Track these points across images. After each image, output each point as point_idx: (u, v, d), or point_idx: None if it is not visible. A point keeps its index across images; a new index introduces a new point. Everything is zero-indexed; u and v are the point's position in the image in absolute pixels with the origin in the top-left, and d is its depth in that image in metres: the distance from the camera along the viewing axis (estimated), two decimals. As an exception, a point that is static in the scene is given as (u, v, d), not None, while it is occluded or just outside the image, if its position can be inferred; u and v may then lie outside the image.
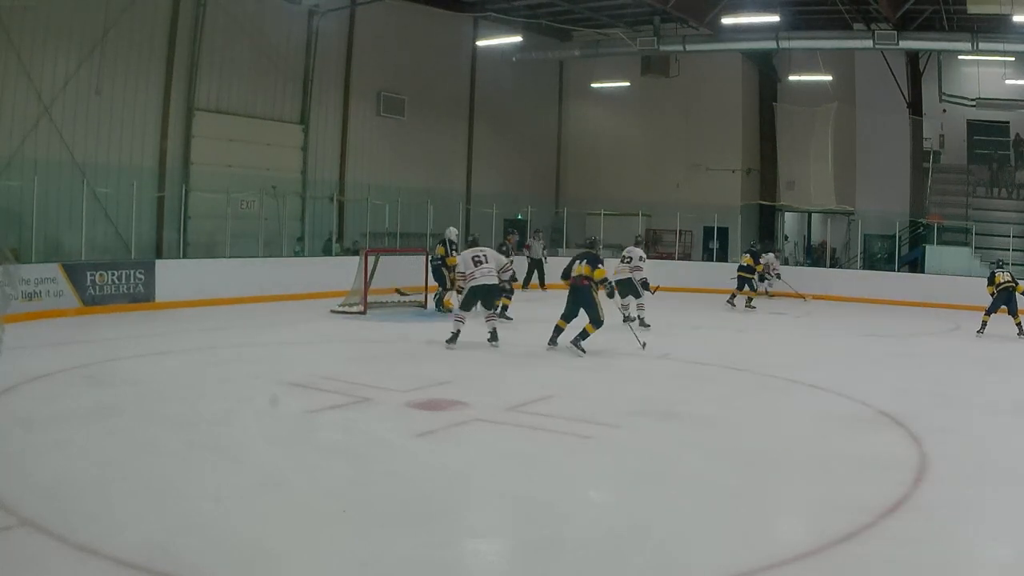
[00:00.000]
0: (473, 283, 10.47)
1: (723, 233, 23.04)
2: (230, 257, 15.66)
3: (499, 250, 13.63)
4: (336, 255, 18.20)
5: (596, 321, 9.88)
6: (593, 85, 25.44)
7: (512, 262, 13.75)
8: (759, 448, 6.21)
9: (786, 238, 25.89)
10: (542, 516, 4.70)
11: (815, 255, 24.55)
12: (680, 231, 22.96)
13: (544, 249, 19.86)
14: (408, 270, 14.69)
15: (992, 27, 17.91)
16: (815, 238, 26.02)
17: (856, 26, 20.40)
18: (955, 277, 18.84)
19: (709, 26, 19.69)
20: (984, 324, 13.13)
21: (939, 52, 21.41)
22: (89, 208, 14.07)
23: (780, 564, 4.03)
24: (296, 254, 18.15)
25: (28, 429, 6.05)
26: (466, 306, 10.58)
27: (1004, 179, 22.25)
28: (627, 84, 24.55)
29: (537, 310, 13.26)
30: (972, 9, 18.00)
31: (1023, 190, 22.08)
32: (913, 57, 22.26)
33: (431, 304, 14.36)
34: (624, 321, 12.50)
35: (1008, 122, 22.25)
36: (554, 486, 5.21)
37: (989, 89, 21.94)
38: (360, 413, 6.95)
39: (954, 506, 4.99)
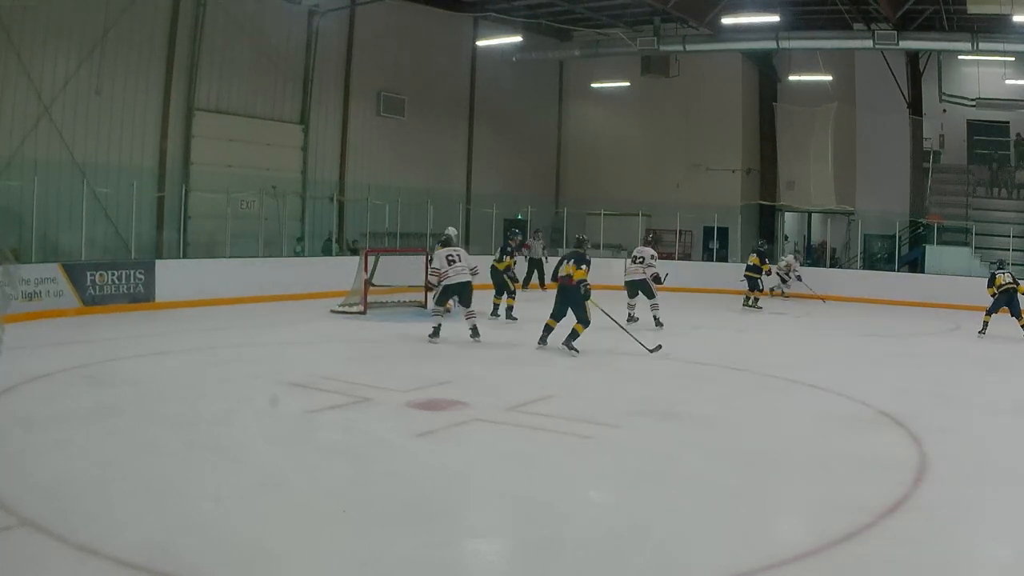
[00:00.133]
0: (448, 281, 10.91)
1: (723, 233, 23.04)
2: (230, 257, 15.65)
3: (504, 250, 13.65)
4: (335, 255, 18.21)
5: (584, 320, 9.86)
6: (593, 85, 25.44)
7: (514, 262, 13.80)
8: (759, 448, 6.21)
9: (786, 238, 25.89)
10: (542, 516, 4.70)
11: (815, 255, 24.56)
12: (680, 231, 22.94)
13: (544, 249, 19.86)
14: (408, 270, 14.69)
15: (992, 27, 17.91)
16: (815, 238, 26.03)
17: (856, 26, 20.41)
18: (955, 277, 18.83)
19: (709, 26, 19.70)
20: (985, 325, 13.11)
21: (939, 52, 21.41)
22: (89, 208, 14.06)
23: (780, 564, 4.03)
24: (296, 254, 18.15)
25: (28, 429, 6.05)
26: (441, 301, 11.10)
27: (1004, 179, 22.25)
28: (627, 84, 24.56)
29: (537, 310, 13.23)
30: (972, 9, 18.00)
31: (1023, 190, 22.09)
32: (913, 57, 22.26)
33: (431, 304, 14.34)
34: (628, 320, 12.53)
35: (1008, 122, 22.25)
36: (554, 486, 5.21)
37: (989, 89, 21.94)
38: (360, 413, 6.95)
39: (954, 506, 4.99)
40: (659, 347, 10.12)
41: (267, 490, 4.94)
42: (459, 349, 10.40)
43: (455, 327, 11.04)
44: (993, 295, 13.07)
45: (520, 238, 15.24)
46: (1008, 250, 19.45)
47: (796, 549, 4.27)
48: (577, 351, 9.82)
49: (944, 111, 22.80)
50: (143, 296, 13.51)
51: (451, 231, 14.54)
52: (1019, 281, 13.04)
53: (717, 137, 24.39)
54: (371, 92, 20.57)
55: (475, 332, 10.84)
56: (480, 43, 22.46)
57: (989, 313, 13.12)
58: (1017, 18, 16.50)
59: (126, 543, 3.99)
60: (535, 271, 19.49)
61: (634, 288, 13.02)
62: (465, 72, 23.24)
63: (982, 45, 18.15)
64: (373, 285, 13.67)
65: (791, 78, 23.08)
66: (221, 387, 7.83)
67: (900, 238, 22.04)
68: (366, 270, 13.72)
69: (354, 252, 17.31)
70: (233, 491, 4.86)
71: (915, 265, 21.46)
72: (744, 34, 20.10)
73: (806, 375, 9.24)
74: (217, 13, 16.79)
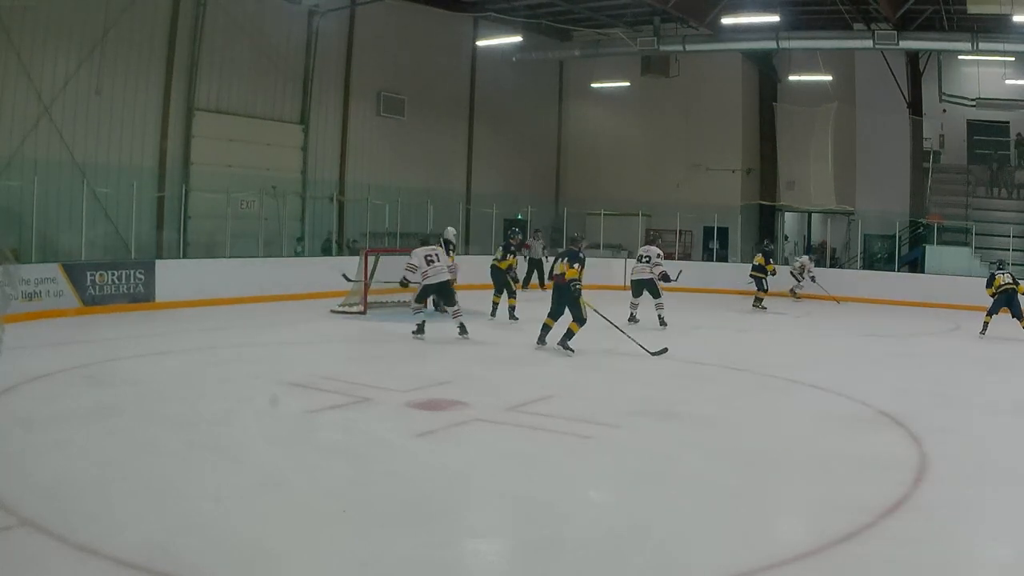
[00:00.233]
0: (427, 281, 11.04)
1: (723, 233, 23.04)
2: (230, 257, 15.65)
3: (506, 248, 13.63)
4: (335, 255, 18.21)
5: (579, 319, 9.84)
6: (593, 85, 25.44)
7: (515, 262, 13.80)
8: (759, 448, 6.21)
9: (786, 238, 25.89)
10: (542, 516, 4.70)
11: (815, 255, 24.52)
12: (680, 231, 22.94)
13: (544, 249, 19.86)
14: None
15: (992, 27, 17.91)
16: (815, 238, 26.01)
17: (856, 26, 20.41)
18: (955, 277, 18.82)
19: (709, 26, 19.69)
20: (986, 325, 13.08)
21: (939, 52, 21.40)
22: (89, 208, 14.06)
23: (780, 564, 4.03)
24: (296, 254, 18.15)
25: (28, 429, 6.05)
26: (420, 299, 11.22)
27: (1004, 179, 22.25)
28: (627, 84, 24.55)
29: (537, 310, 13.22)
30: (972, 9, 18.01)
31: (1023, 190, 22.09)
32: (913, 57, 22.26)
33: (430, 304, 14.33)
34: (629, 321, 12.52)
35: (1008, 122, 22.25)
36: (554, 486, 5.21)
37: (989, 89, 21.94)
38: (360, 413, 6.95)
39: (954, 506, 4.99)
40: (664, 350, 9.92)
41: (267, 490, 4.94)
42: (459, 349, 10.40)
43: (454, 328, 11.02)
44: (992, 295, 13.06)
45: (520, 237, 15.24)
46: (1008, 250, 19.45)
47: (796, 549, 4.27)
48: (572, 350, 9.82)
49: (944, 111, 22.80)
50: (143, 296, 13.50)
51: (450, 231, 14.57)
52: (1019, 281, 13.03)
53: (717, 137, 24.39)
54: (371, 92, 20.57)
55: (463, 330, 10.91)
56: (480, 43, 22.46)
57: (990, 314, 13.10)
58: (1017, 18, 16.50)
59: (126, 543, 3.99)
60: (535, 271, 19.48)
61: (640, 287, 13.01)
62: (465, 72, 23.24)
63: (982, 45, 18.15)
64: (349, 281, 13.55)
65: (791, 78, 23.08)
66: (221, 387, 7.83)
67: (900, 238, 22.04)
68: (366, 270, 13.73)
69: (354, 252, 17.30)
70: (233, 491, 4.86)
71: (915, 265, 21.45)
72: (744, 34, 20.09)
73: (806, 375, 9.25)
74: (217, 13, 16.79)
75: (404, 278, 11.38)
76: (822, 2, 19.90)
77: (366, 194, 19.58)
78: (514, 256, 13.76)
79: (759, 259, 17.04)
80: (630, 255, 21.41)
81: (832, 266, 22.27)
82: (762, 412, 7.64)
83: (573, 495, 5.12)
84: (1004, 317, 12.99)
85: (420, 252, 11.19)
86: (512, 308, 13.21)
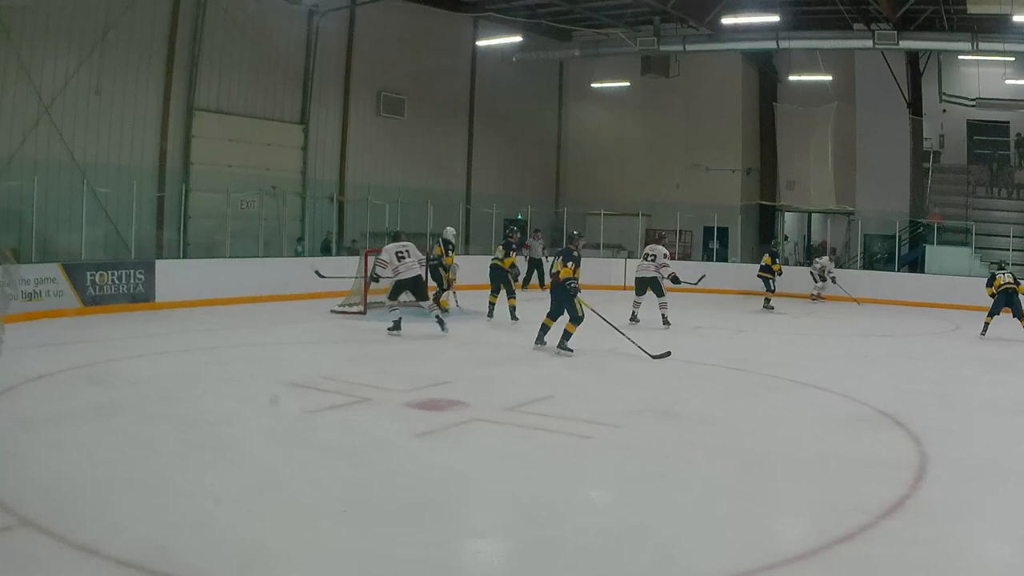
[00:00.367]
0: (399, 277, 11.12)
1: (723, 233, 23.05)
2: (230, 257, 15.65)
3: (507, 246, 13.61)
4: (335, 255, 18.20)
5: (575, 318, 9.83)
6: (593, 85, 25.45)
7: (516, 260, 13.80)
8: (759, 448, 6.21)
9: (786, 238, 25.89)
10: (542, 516, 4.70)
11: (815, 255, 24.50)
12: (680, 231, 22.94)
13: (544, 249, 19.87)
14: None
15: (992, 27, 17.91)
16: (815, 238, 26.01)
17: (856, 26, 20.41)
18: (955, 277, 18.83)
19: (709, 26, 19.70)
20: (986, 326, 13.08)
21: (939, 52, 21.41)
22: (89, 208, 14.06)
23: (780, 564, 4.03)
24: (296, 254, 18.14)
25: (28, 429, 6.04)
26: (394, 295, 11.25)
27: (1004, 179, 22.25)
28: (627, 84, 24.56)
29: (537, 310, 13.23)
30: (972, 9, 18.02)
31: (1023, 190, 22.09)
32: (913, 57, 22.26)
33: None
34: (631, 320, 12.52)
35: (1008, 122, 22.27)
36: (554, 486, 5.21)
37: (989, 89, 21.95)
38: (360, 413, 6.95)
39: (954, 506, 4.99)
40: (667, 353, 9.77)
41: (267, 490, 4.93)
42: (459, 349, 10.40)
43: (461, 327, 11.06)
44: (992, 295, 13.06)
45: (519, 235, 15.24)
46: (1008, 250, 19.47)
47: (796, 549, 4.27)
48: (572, 350, 9.82)
49: (944, 111, 22.81)
50: (143, 296, 13.50)
51: (450, 231, 14.58)
52: (1020, 281, 13.02)
53: (717, 137, 24.39)
54: (371, 92, 20.58)
55: (443, 325, 11.04)
56: (480, 43, 22.47)
57: (991, 315, 13.09)
58: (1017, 18, 16.50)
59: (126, 543, 3.99)
60: (535, 271, 19.49)
61: (643, 285, 13.00)
62: (465, 72, 23.24)
63: (982, 45, 18.15)
64: (321, 277, 13.45)
65: (791, 78, 23.08)
66: (221, 387, 7.83)
67: (900, 238, 22.03)
68: (366, 270, 13.71)
69: (354, 252, 17.29)
70: (233, 491, 4.86)
71: (915, 265, 21.46)
72: (744, 34, 20.10)
73: (806, 375, 9.25)
74: (217, 13, 16.79)
75: (374, 274, 11.49)
76: (822, 2, 19.91)
77: (366, 194, 19.58)
78: (516, 254, 13.75)
79: (766, 259, 16.97)
80: (630, 255, 21.46)
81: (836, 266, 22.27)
82: (762, 412, 7.63)
83: (573, 495, 5.11)
84: (1005, 317, 13.00)
85: (391, 248, 11.30)
86: (512, 308, 13.21)
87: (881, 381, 9.10)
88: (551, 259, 10.73)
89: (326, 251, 18.73)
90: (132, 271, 13.46)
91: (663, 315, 12.70)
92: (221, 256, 15.78)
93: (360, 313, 13.44)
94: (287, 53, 18.52)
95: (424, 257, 11.63)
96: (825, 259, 19.16)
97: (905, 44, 19.03)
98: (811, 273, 18.85)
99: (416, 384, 7.95)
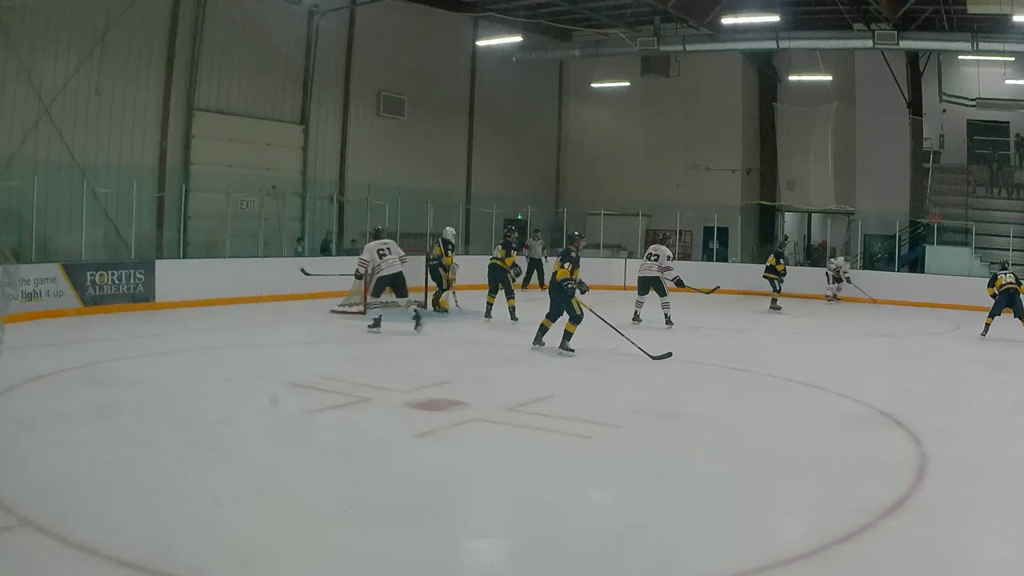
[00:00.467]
0: (381, 274, 11.26)
1: (723, 233, 23.05)
2: (230, 257, 15.65)
3: (507, 245, 13.58)
4: (335, 255, 18.19)
5: (573, 318, 9.83)
6: (593, 85, 25.45)
7: (517, 260, 13.80)
8: (759, 448, 6.21)
9: (786, 238, 25.87)
10: (542, 516, 4.70)
11: (815, 255, 24.53)
12: (680, 231, 22.94)
13: (544, 249, 19.86)
14: (407, 270, 14.64)
15: (992, 27, 17.91)
16: (815, 238, 26.02)
17: (856, 26, 20.41)
18: (955, 277, 18.83)
19: (709, 26, 19.70)
20: (987, 327, 13.06)
21: (939, 52, 21.42)
22: (89, 208, 14.06)
23: (780, 564, 4.03)
24: (296, 254, 18.14)
25: (28, 429, 6.04)
26: (376, 293, 11.43)
27: (1004, 179, 22.26)
28: (627, 84, 24.56)
29: (537, 310, 13.22)
30: (972, 9, 18.02)
31: (1023, 190, 22.09)
32: (913, 57, 22.27)
33: (429, 304, 14.33)
34: (633, 320, 12.52)
35: (1008, 122, 22.28)
36: (554, 486, 5.21)
37: (989, 89, 21.96)
38: (360, 413, 6.95)
39: (954, 506, 4.99)
40: (668, 354, 9.71)
41: (267, 490, 4.93)
42: (459, 349, 10.41)
43: (454, 328, 11.04)
44: (993, 295, 13.05)
45: (516, 234, 15.22)
46: (1008, 250, 19.47)
47: (796, 549, 4.27)
48: (573, 350, 9.82)
49: (944, 111, 22.82)
50: (143, 296, 13.50)
51: (449, 231, 14.58)
52: (1022, 281, 13.01)
53: (717, 137, 24.39)
54: (371, 92, 20.57)
55: (418, 322, 11.20)
56: (480, 43, 22.47)
57: (992, 315, 13.08)
58: (1017, 18, 16.50)
59: (126, 543, 3.99)
60: (535, 271, 19.49)
61: (646, 285, 13.00)
62: (465, 72, 23.24)
63: (982, 45, 18.15)
64: (307, 275, 13.36)
65: (791, 78, 23.08)
66: (221, 387, 7.83)
67: (900, 238, 22.04)
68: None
69: (354, 252, 17.28)
70: (233, 491, 4.86)
71: (915, 265, 21.46)
72: (744, 34, 20.10)
73: (806, 375, 9.25)
74: (217, 13, 16.79)
75: (357, 271, 11.59)
76: (822, 2, 19.91)
77: (366, 194, 19.57)
78: (516, 253, 13.74)
79: (771, 260, 16.95)
80: (630, 255, 21.47)
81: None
82: (762, 412, 7.63)
83: (573, 495, 5.11)
84: (1006, 317, 12.99)
85: (372, 246, 11.41)
86: (512, 308, 13.20)
87: (881, 381, 9.10)
88: (552, 260, 10.70)
89: (326, 251, 18.73)
90: (132, 271, 13.45)
91: (666, 315, 12.71)
92: (221, 256, 15.78)
93: (360, 313, 13.40)
94: (287, 53, 18.51)
95: (405, 254, 11.67)
96: (841, 259, 18.98)
97: (905, 44, 19.03)
98: (827, 274, 18.72)
99: (416, 384, 7.95)
